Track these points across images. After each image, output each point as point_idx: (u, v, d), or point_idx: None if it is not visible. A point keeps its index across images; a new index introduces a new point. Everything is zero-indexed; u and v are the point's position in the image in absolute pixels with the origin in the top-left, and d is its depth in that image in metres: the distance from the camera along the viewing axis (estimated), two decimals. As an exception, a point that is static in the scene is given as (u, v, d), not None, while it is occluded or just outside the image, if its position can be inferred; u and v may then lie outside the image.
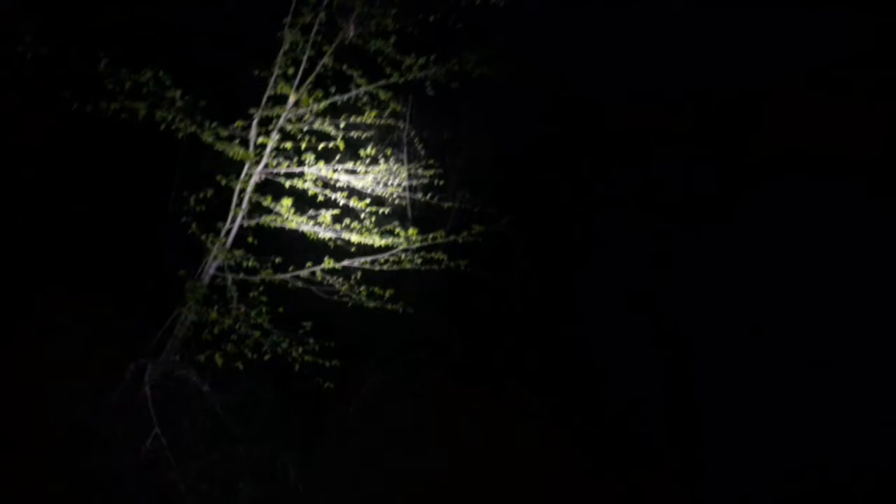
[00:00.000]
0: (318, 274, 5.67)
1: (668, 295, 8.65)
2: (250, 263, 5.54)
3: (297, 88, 5.42)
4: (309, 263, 5.73)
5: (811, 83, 9.10)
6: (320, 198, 5.79)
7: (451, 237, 5.77)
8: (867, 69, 8.86)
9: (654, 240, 8.97)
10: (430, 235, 5.73)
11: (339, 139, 5.61)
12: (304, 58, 5.37)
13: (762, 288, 8.39)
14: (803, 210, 8.58)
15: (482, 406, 7.36)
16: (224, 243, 5.56)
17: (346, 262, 5.75)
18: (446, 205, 6.19)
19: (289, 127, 5.53)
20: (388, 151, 5.87)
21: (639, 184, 9.40)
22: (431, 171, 6.15)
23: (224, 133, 5.31)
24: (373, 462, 6.13)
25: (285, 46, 5.31)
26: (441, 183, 6.16)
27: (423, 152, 6.05)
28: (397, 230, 5.81)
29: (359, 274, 5.81)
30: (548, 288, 9.07)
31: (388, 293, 5.70)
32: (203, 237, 5.52)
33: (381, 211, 5.99)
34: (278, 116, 5.47)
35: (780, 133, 9.23)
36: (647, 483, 6.75)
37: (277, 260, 5.70)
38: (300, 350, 5.35)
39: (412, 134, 5.90)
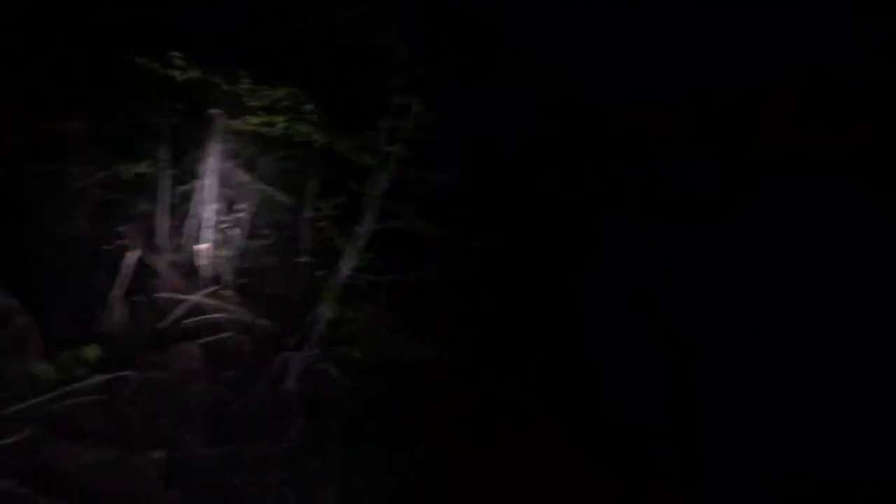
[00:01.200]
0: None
1: (668, 295, 8.65)
2: (381, 265, 5.84)
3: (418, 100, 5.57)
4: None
5: (811, 83, 9.09)
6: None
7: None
8: (867, 69, 8.85)
9: (654, 240, 8.97)
10: None
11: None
12: (417, 69, 5.51)
13: (762, 288, 8.38)
14: (803, 210, 8.57)
15: (482, 406, 7.36)
16: (357, 245, 5.81)
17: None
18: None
19: (411, 136, 5.68)
20: None
21: (639, 184, 9.40)
22: None
23: (356, 143, 5.55)
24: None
25: (399, 57, 5.46)
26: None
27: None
28: None
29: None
30: (548, 288, 9.06)
31: None
32: (338, 240, 5.83)
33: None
34: (401, 127, 5.60)
35: (780, 133, 9.22)
36: (647, 483, 6.75)
37: (407, 262, 5.97)
38: (434, 350, 5.51)
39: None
